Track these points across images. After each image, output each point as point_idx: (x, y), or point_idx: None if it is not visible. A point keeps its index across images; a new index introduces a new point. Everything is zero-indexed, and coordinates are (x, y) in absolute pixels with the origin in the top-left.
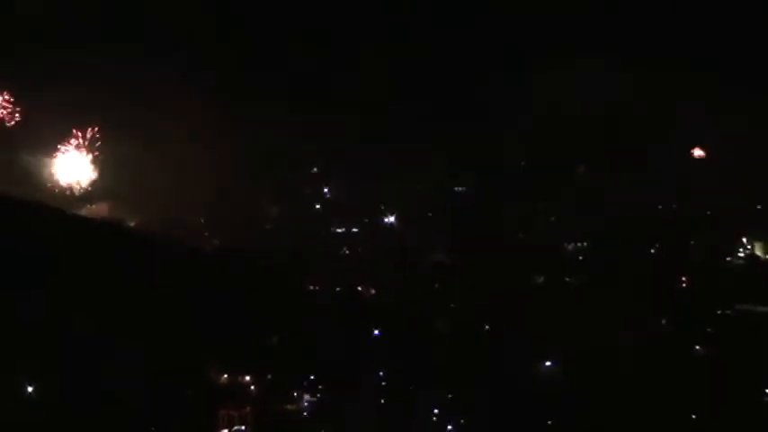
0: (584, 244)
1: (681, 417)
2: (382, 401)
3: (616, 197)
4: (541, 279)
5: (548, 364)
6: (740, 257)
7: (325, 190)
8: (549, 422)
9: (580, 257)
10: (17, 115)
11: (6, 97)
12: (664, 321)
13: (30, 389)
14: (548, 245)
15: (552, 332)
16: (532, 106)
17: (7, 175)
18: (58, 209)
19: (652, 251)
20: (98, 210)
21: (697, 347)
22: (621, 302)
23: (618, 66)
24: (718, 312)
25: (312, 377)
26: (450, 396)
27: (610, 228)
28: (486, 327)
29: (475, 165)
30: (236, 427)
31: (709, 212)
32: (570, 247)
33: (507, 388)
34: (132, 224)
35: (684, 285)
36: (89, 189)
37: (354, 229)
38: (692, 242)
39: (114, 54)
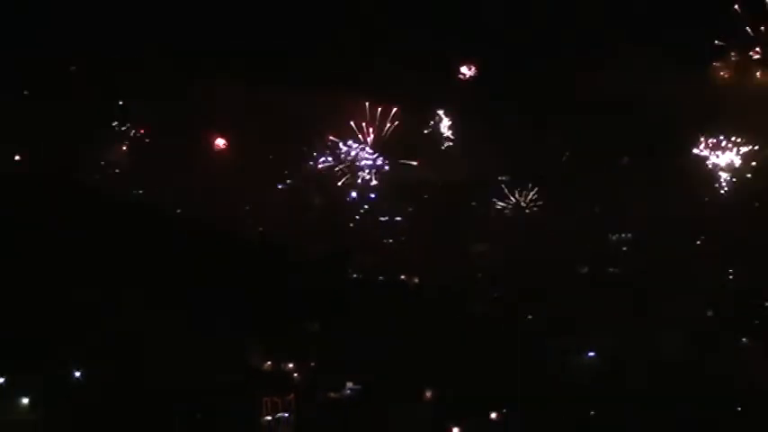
0: (629, 235)
1: (726, 410)
2: (425, 391)
3: (661, 188)
4: (585, 270)
5: (591, 354)
6: None
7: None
8: (592, 413)
9: (624, 248)
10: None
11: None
12: (710, 313)
13: (77, 374)
14: (591, 235)
15: (596, 323)
16: (575, 96)
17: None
18: (103, 193)
19: (698, 243)
20: (144, 196)
21: (744, 340)
22: (666, 294)
23: (665, 57)
24: (767, 305)
25: (355, 365)
26: (492, 387)
27: (654, 219)
28: (530, 317)
29: (518, 154)
30: (279, 414)
31: (757, 204)
32: (614, 237)
33: (549, 379)
34: (178, 211)
35: (731, 277)
36: (134, 175)
37: (398, 218)
38: (737, 234)
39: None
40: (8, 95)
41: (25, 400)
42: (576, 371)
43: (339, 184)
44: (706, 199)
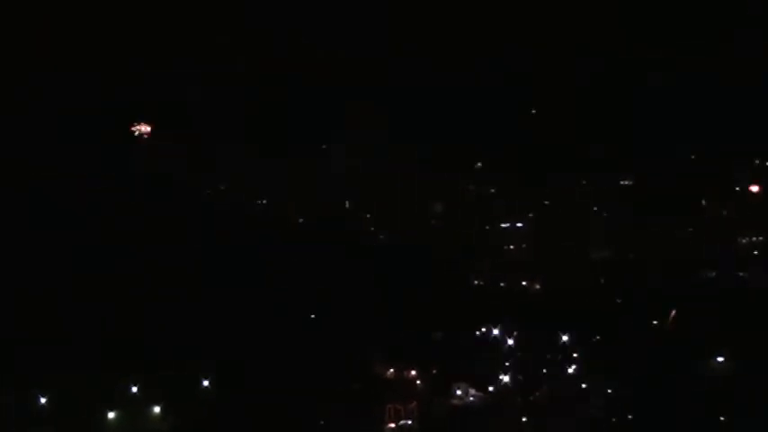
0: (760, 238)
1: None
2: (547, 397)
3: None
4: (713, 274)
5: (720, 359)
6: None
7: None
8: (722, 419)
9: (755, 252)
10: None
11: None
12: None
13: (206, 383)
14: (720, 239)
15: (724, 327)
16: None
17: None
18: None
19: None
20: (266, 206)
21: None
22: None
23: None
24: None
25: (477, 373)
26: (621, 391)
27: None
28: (654, 322)
29: (639, 157)
30: (402, 422)
31: None
32: (744, 241)
33: (681, 383)
34: (300, 220)
35: None
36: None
37: (519, 225)
38: None
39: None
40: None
41: (157, 409)
42: (706, 374)
43: None
44: None
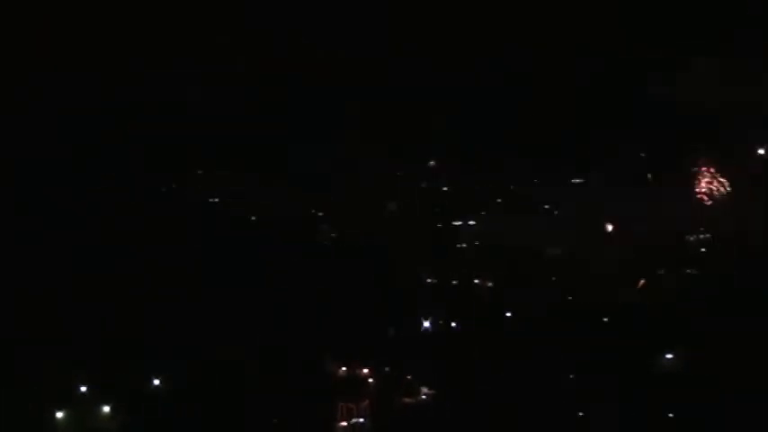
0: (708, 235)
1: None
2: (500, 396)
3: (739, 187)
4: (662, 271)
5: (668, 357)
6: None
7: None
8: (671, 415)
9: (702, 249)
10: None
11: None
12: None
13: (156, 382)
14: (668, 236)
15: (673, 325)
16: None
17: None
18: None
19: None
20: (221, 203)
21: None
22: (746, 296)
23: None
24: None
25: (430, 370)
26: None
27: (735, 219)
28: (605, 319)
29: (590, 157)
30: (354, 420)
31: None
32: (692, 238)
33: (628, 380)
34: (252, 218)
35: None
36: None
37: (471, 222)
38: None
39: None
40: None
41: (106, 409)
42: (655, 373)
43: None
44: None
